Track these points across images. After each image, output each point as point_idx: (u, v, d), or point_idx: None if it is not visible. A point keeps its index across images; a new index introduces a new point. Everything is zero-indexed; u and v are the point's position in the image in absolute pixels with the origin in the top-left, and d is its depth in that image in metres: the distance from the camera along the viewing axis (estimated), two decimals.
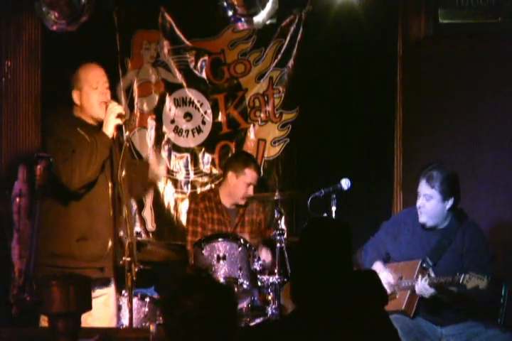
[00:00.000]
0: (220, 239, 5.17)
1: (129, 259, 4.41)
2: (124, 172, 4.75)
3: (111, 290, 4.77)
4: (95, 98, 4.68)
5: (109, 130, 4.60)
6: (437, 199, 4.74)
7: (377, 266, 4.84)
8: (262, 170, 6.20)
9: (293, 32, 6.26)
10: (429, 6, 6.05)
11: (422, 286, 4.62)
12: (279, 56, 6.31)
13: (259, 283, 5.09)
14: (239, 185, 5.76)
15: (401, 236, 4.91)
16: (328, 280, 3.33)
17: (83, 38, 5.97)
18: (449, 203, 4.76)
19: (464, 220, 4.83)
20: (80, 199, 4.62)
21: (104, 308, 4.73)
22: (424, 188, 4.77)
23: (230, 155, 6.40)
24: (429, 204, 4.76)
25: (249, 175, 5.75)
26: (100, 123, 4.70)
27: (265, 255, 5.60)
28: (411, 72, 6.09)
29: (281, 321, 3.16)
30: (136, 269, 4.49)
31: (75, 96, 4.70)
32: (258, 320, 5.07)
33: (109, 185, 4.68)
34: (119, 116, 4.63)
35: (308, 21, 6.21)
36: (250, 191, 5.79)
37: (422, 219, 4.82)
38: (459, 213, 4.85)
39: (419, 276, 4.66)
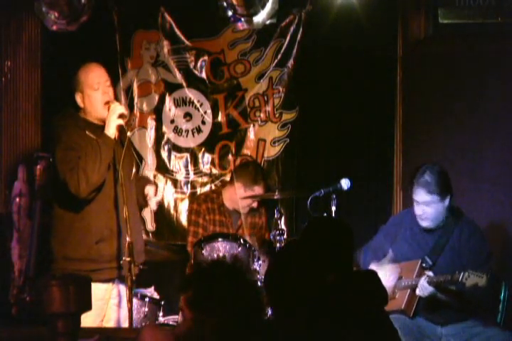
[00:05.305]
0: (220, 239, 5.17)
1: (128, 259, 4.40)
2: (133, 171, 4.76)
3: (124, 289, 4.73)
4: (98, 99, 4.63)
5: (111, 131, 4.57)
6: (437, 202, 4.71)
7: (374, 266, 4.83)
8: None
9: (293, 32, 6.26)
10: (429, 6, 6.05)
11: (422, 285, 4.62)
12: (279, 56, 6.31)
13: (259, 283, 5.08)
14: (245, 198, 5.74)
15: (400, 238, 4.91)
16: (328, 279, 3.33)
17: (83, 38, 5.97)
18: (447, 201, 4.75)
19: (460, 218, 4.82)
20: (91, 202, 4.59)
21: (116, 309, 4.72)
22: (422, 196, 4.71)
23: (230, 155, 6.40)
24: (430, 208, 4.72)
25: (258, 191, 5.72)
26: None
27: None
28: (411, 72, 6.09)
29: (279, 321, 3.15)
30: (136, 269, 4.49)
31: (78, 99, 4.65)
32: None
33: (113, 185, 4.66)
34: (121, 116, 4.60)
35: (308, 21, 6.21)
36: (255, 204, 5.78)
37: (424, 224, 4.78)
38: (456, 211, 4.84)
39: (420, 276, 4.66)
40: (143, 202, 4.89)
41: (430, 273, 4.65)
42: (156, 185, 5.02)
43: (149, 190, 4.86)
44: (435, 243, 4.77)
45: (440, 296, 4.64)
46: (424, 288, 4.62)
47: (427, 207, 4.72)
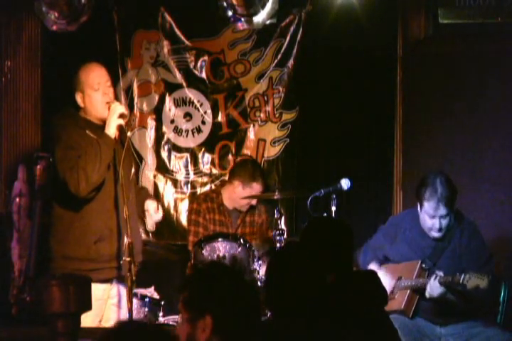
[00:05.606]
0: (220, 239, 5.16)
1: (128, 259, 4.39)
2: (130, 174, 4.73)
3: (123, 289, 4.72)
4: (98, 99, 4.62)
5: (112, 130, 4.56)
6: (452, 212, 4.68)
7: (373, 268, 4.81)
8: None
9: (293, 32, 6.26)
10: (429, 6, 6.05)
11: (433, 285, 4.57)
12: (279, 56, 6.30)
13: (259, 283, 5.09)
14: (244, 196, 5.73)
15: (399, 238, 4.89)
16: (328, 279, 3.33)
17: (83, 38, 5.98)
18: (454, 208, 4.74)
19: (461, 220, 4.81)
20: (91, 202, 4.58)
21: (116, 309, 4.72)
22: (441, 210, 4.63)
23: (230, 155, 6.40)
24: (446, 220, 4.67)
25: (256, 188, 5.71)
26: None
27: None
28: (411, 72, 6.09)
29: (279, 321, 3.15)
30: (135, 269, 4.48)
31: (79, 98, 4.64)
32: None
33: (113, 184, 4.65)
34: (121, 116, 4.59)
35: (308, 21, 6.21)
36: (254, 201, 5.77)
37: (438, 235, 4.71)
38: (457, 213, 4.83)
39: (431, 276, 4.60)
40: (141, 215, 4.87)
41: (441, 273, 4.60)
42: (158, 202, 4.96)
43: (149, 205, 4.82)
44: (436, 245, 4.75)
45: (448, 296, 4.60)
46: (435, 287, 4.55)
47: (443, 219, 4.67)
